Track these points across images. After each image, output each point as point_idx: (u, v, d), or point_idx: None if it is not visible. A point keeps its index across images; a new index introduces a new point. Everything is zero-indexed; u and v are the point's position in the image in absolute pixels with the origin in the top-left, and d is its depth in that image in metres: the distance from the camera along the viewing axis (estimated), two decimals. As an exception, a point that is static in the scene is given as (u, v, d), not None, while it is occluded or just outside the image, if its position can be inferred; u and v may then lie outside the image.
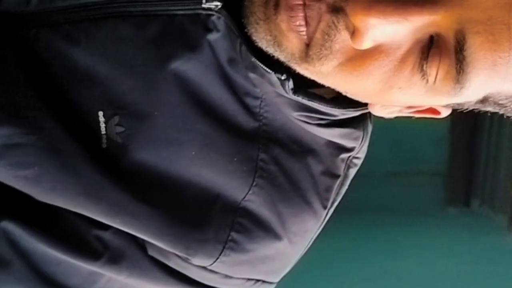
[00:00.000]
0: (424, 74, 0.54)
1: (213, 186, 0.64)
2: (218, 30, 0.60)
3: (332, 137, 0.67)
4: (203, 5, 0.60)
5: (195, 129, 0.62)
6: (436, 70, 0.53)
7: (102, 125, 0.61)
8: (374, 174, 4.38)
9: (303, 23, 0.54)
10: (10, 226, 0.61)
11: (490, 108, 0.60)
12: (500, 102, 0.57)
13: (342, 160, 0.69)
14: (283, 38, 0.55)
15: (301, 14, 0.53)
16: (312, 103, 0.63)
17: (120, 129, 0.61)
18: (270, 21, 0.55)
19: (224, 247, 0.64)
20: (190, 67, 0.61)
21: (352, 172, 0.70)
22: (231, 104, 0.63)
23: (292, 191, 0.66)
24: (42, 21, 0.61)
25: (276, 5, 0.54)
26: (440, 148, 4.99)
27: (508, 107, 0.58)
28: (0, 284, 0.62)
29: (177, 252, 0.63)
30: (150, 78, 0.61)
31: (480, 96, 0.57)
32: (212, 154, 0.63)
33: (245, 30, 0.58)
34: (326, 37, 0.53)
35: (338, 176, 0.69)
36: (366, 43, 0.52)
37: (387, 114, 0.65)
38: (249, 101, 0.64)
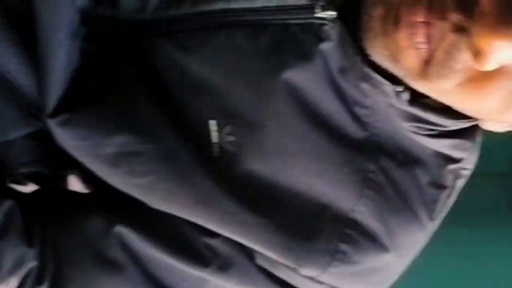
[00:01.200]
0: None
1: (323, 197, 0.63)
2: (330, 40, 0.60)
3: (441, 147, 0.66)
4: (316, 15, 0.60)
5: (306, 139, 0.62)
6: None
7: (214, 134, 0.61)
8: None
9: (424, 40, 0.53)
10: (124, 231, 0.63)
11: None
12: None
13: (450, 171, 0.67)
14: (401, 54, 0.55)
15: (423, 32, 0.53)
16: (426, 114, 0.62)
17: (231, 138, 0.61)
18: (389, 37, 0.55)
19: (332, 258, 0.63)
20: (303, 77, 0.61)
21: (460, 183, 0.69)
22: (341, 114, 0.63)
23: (399, 203, 0.65)
24: (157, 30, 0.62)
25: (396, 21, 0.54)
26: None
27: None
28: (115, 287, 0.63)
29: (286, 263, 0.63)
30: (263, 88, 0.61)
31: None
32: (322, 165, 0.63)
33: (359, 43, 0.58)
34: (447, 56, 0.53)
35: (445, 188, 0.67)
36: (490, 65, 0.51)
37: (499, 129, 0.64)
38: (359, 110, 0.63)
